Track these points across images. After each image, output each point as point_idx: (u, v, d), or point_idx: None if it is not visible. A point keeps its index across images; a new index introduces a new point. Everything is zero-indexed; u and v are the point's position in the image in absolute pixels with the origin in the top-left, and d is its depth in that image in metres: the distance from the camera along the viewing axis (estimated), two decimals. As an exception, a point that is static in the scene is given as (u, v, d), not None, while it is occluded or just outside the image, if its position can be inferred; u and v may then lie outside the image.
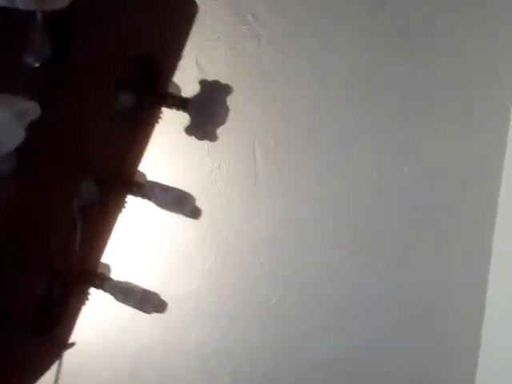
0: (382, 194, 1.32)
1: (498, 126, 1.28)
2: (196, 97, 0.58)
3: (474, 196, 1.30)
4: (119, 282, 0.60)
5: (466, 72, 1.28)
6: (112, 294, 0.59)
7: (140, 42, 0.54)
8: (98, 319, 1.29)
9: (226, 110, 0.59)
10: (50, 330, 0.57)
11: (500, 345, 1.25)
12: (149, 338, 1.40)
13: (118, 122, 0.55)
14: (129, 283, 0.60)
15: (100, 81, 0.51)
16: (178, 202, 0.58)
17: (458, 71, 1.28)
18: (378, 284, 1.34)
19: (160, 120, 0.60)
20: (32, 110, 0.43)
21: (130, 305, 0.59)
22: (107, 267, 0.62)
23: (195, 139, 0.60)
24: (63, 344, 0.59)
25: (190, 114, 0.58)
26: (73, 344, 0.60)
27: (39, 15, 0.44)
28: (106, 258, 0.63)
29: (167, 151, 1.23)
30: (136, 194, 0.59)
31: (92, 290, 0.61)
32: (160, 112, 0.60)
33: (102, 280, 0.60)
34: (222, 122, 0.59)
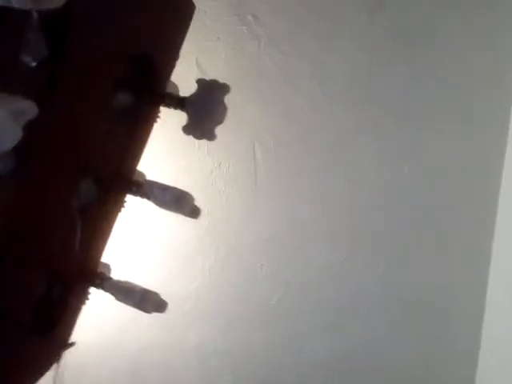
0: (381, 194, 1.32)
1: (497, 126, 1.28)
2: (194, 96, 0.58)
3: (473, 196, 1.30)
4: (119, 282, 0.60)
5: (465, 72, 1.28)
6: (112, 294, 0.59)
7: (137, 41, 0.54)
8: (98, 319, 1.29)
9: (224, 109, 0.58)
10: (50, 330, 0.57)
11: (500, 345, 1.25)
12: (149, 338, 1.40)
13: (116, 122, 0.55)
14: (129, 283, 0.60)
15: (97, 80, 0.51)
16: (177, 201, 0.58)
17: (457, 71, 1.28)
18: (377, 284, 1.34)
19: (158, 119, 0.60)
20: (29, 109, 0.43)
21: (130, 304, 0.59)
22: (107, 267, 0.62)
23: (195, 139, 0.60)
24: (63, 344, 0.59)
25: (187, 113, 0.58)
26: (73, 344, 0.60)
27: (35, 14, 0.44)
28: (105, 257, 0.63)
29: (167, 151, 1.24)
30: (135, 193, 0.59)
31: (92, 290, 0.61)
32: (158, 111, 0.60)
33: (102, 279, 0.60)
34: (220, 121, 0.59)
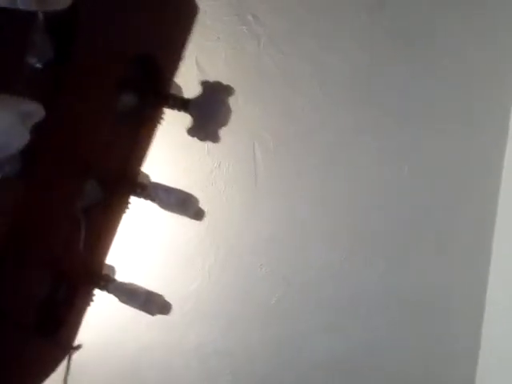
0: (382, 194, 1.32)
1: (497, 126, 1.28)
2: (197, 98, 0.58)
3: (473, 196, 1.30)
4: (123, 284, 0.60)
5: (466, 72, 1.28)
6: (116, 296, 0.59)
7: (142, 42, 0.54)
8: (98, 319, 1.28)
9: (228, 110, 0.59)
10: (55, 332, 0.57)
11: (500, 345, 1.25)
12: (149, 338, 1.40)
13: (120, 123, 0.55)
14: (133, 284, 0.60)
15: (102, 81, 0.51)
16: (182, 203, 0.58)
17: (457, 71, 1.28)
18: (377, 284, 1.34)
19: (162, 121, 0.60)
20: (36, 111, 0.43)
21: (134, 306, 0.59)
22: (112, 269, 0.62)
23: (196, 140, 0.60)
24: (68, 345, 0.59)
25: (191, 115, 0.58)
26: (79, 347, 0.60)
27: (41, 16, 0.44)
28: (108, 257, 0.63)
29: (167, 151, 1.23)
30: (139, 195, 0.59)
31: (96, 291, 0.61)
32: (162, 113, 0.60)
33: (106, 281, 0.60)
34: (224, 123, 0.59)
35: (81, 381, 1.36)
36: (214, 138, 0.59)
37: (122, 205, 0.60)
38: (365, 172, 1.31)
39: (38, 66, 0.46)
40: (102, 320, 1.29)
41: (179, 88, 0.61)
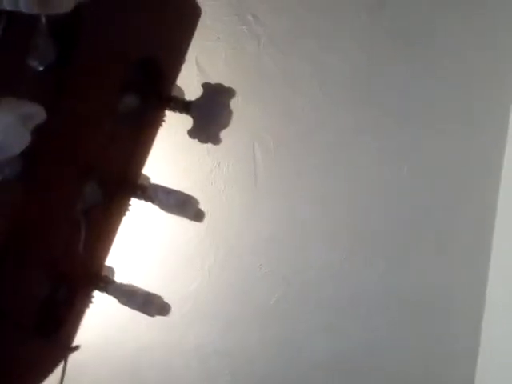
0: (382, 194, 1.32)
1: (497, 126, 1.28)
2: (199, 100, 0.58)
3: (473, 196, 1.30)
4: (122, 285, 0.60)
5: (466, 72, 1.28)
6: (116, 297, 0.59)
7: (143, 45, 0.54)
8: (97, 319, 1.28)
9: (229, 113, 0.59)
10: (54, 332, 0.57)
11: (500, 345, 1.25)
12: (148, 339, 1.40)
13: (121, 125, 0.55)
14: (132, 286, 0.60)
15: (104, 84, 0.51)
16: (182, 205, 0.58)
17: (457, 71, 1.28)
18: (378, 284, 1.34)
19: (163, 123, 0.60)
20: (37, 113, 0.43)
21: (133, 307, 0.59)
22: (111, 270, 0.62)
23: (196, 141, 0.60)
24: (67, 346, 0.59)
25: (192, 117, 0.58)
26: (77, 347, 0.60)
27: (43, 19, 0.44)
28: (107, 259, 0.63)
29: (167, 151, 1.23)
30: (140, 197, 0.59)
31: (95, 292, 0.61)
32: (164, 115, 0.60)
33: (106, 283, 0.60)
34: (226, 125, 0.59)
35: (81, 381, 1.37)
36: (215, 140, 0.59)
37: (122, 207, 0.60)
38: (365, 172, 1.31)
39: (40, 68, 0.46)
40: (102, 320, 1.29)
41: (181, 90, 0.61)
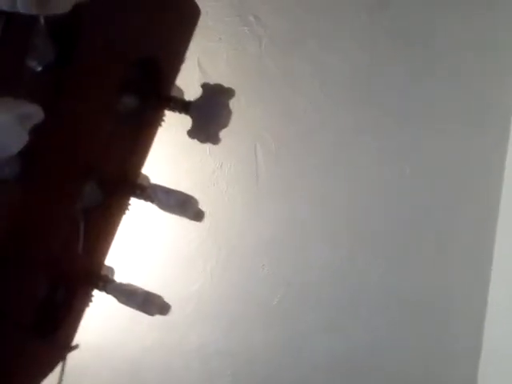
0: (381, 194, 1.32)
1: (498, 126, 1.28)
2: (198, 100, 0.59)
3: (474, 196, 1.30)
4: (122, 285, 0.60)
5: (466, 72, 1.28)
6: (115, 296, 0.59)
7: (142, 44, 0.54)
8: (99, 320, 1.29)
9: (229, 113, 0.59)
10: (53, 332, 0.57)
11: (502, 345, 1.25)
12: (150, 339, 1.40)
13: (120, 125, 0.55)
14: (131, 285, 0.60)
15: (103, 84, 0.51)
16: (182, 204, 0.58)
17: (457, 71, 1.28)
18: (378, 284, 1.34)
19: (163, 123, 0.61)
20: (35, 113, 0.43)
21: (133, 307, 0.59)
22: (111, 270, 0.62)
23: (197, 141, 0.60)
24: (66, 346, 0.59)
25: (192, 117, 0.58)
26: (76, 346, 0.60)
27: (42, 19, 0.44)
28: (107, 258, 0.63)
29: (169, 152, 1.24)
30: (139, 196, 0.59)
31: (95, 292, 0.61)
32: (163, 115, 0.60)
33: (105, 282, 0.60)
34: (225, 125, 0.59)
35: (81, 382, 1.37)
36: (214, 139, 0.59)
37: (122, 206, 0.60)
38: (365, 172, 1.31)
39: (38, 69, 0.46)
40: (103, 321, 1.30)
41: (181, 91, 0.61)
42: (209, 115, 0.57)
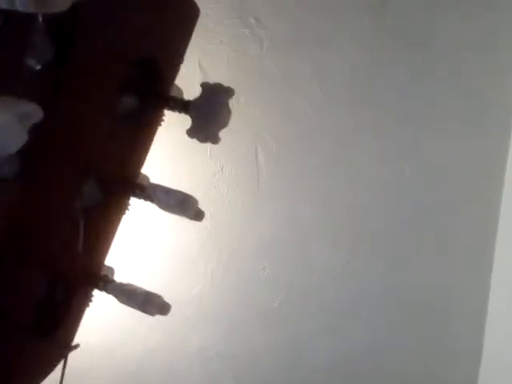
0: (381, 194, 1.32)
1: (498, 126, 1.28)
2: (198, 99, 0.58)
3: (474, 196, 1.30)
4: (122, 284, 0.60)
5: (466, 72, 1.28)
6: (115, 296, 0.59)
7: (142, 44, 0.54)
8: (101, 321, 1.29)
9: (228, 112, 0.58)
10: (53, 332, 0.57)
11: (503, 346, 1.25)
12: (151, 341, 1.40)
13: (120, 125, 0.55)
14: (132, 285, 0.60)
15: (102, 83, 0.51)
16: (181, 204, 0.58)
17: (457, 71, 1.28)
18: (378, 284, 1.34)
19: (162, 123, 0.61)
20: (34, 112, 0.43)
21: (133, 306, 0.59)
22: (111, 270, 0.62)
23: (198, 142, 0.60)
24: (66, 346, 0.59)
25: (191, 117, 0.58)
26: (76, 346, 0.60)
27: (40, 18, 0.44)
28: (108, 260, 0.63)
29: (170, 154, 1.24)
30: (139, 196, 0.59)
31: (95, 292, 0.61)
32: (162, 114, 0.60)
33: (105, 282, 0.60)
34: (224, 125, 0.58)
35: (82, 383, 1.37)
36: (214, 139, 0.59)
37: (122, 206, 0.60)
38: (365, 172, 1.31)
39: (37, 67, 0.46)
40: (104, 322, 1.30)
41: (180, 90, 0.61)
42: (208, 114, 0.57)
